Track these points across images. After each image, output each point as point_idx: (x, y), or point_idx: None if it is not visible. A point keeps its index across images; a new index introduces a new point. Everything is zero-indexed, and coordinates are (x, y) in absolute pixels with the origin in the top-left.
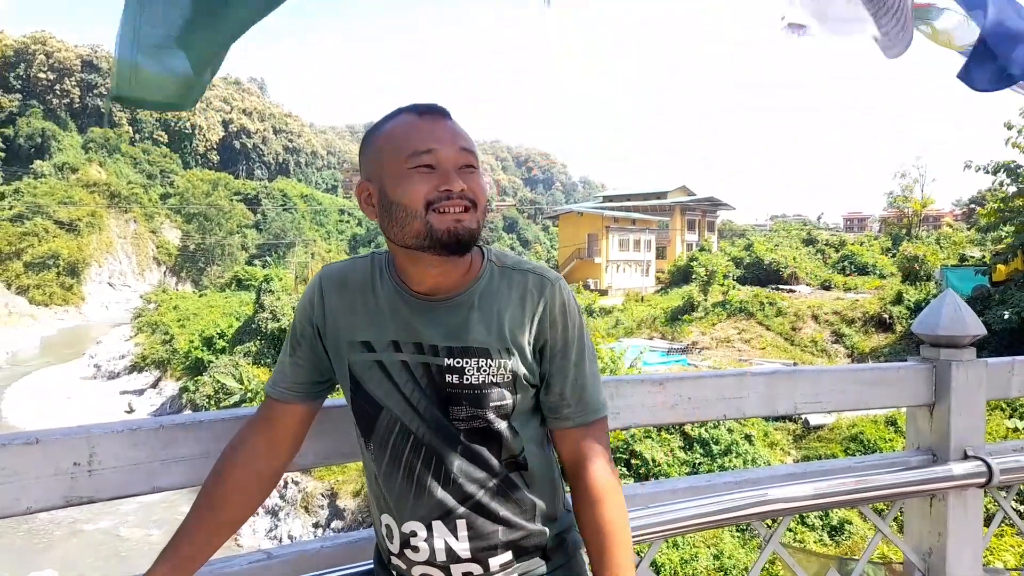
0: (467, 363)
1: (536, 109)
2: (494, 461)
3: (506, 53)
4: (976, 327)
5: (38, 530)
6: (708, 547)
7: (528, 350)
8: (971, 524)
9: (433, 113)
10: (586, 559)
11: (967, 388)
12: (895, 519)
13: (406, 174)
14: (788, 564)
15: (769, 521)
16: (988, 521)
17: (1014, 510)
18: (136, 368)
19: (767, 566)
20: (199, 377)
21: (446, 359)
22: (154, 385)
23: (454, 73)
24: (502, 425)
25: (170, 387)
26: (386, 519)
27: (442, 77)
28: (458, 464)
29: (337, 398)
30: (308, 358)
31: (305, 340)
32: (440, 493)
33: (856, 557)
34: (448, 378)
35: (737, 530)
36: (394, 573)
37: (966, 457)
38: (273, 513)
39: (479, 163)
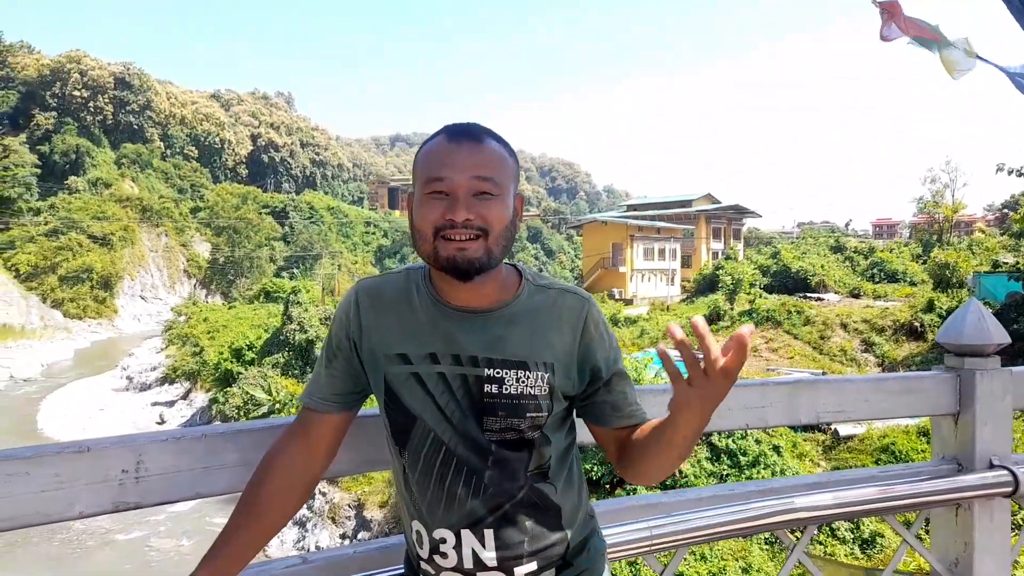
0: (507, 374)
1: (560, 119)
2: (522, 471)
3: (530, 62)
4: (1000, 336)
5: (71, 540)
6: (736, 560)
7: (570, 365)
8: (998, 534)
9: (460, 137)
10: (607, 565)
11: (992, 397)
12: (924, 529)
13: (423, 199)
14: (813, 573)
15: (798, 533)
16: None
17: None
18: (167, 380)
19: None
20: (228, 388)
21: (486, 369)
22: (184, 397)
23: (479, 82)
24: (534, 435)
25: (200, 398)
26: (416, 525)
27: (467, 86)
28: (489, 475)
29: (369, 407)
30: (344, 370)
31: (341, 352)
32: (470, 503)
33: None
34: (487, 388)
35: (765, 543)
36: None
37: (991, 466)
38: (301, 524)
39: (505, 188)
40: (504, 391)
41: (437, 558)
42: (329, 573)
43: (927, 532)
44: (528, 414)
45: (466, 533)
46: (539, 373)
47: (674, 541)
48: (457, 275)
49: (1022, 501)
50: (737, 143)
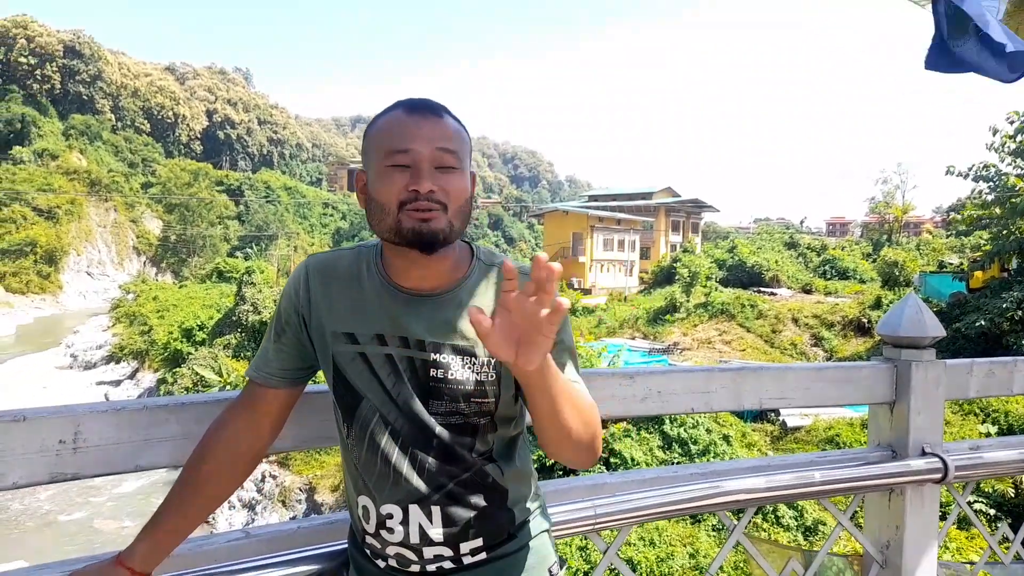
0: (453, 359)
1: (524, 107)
2: (468, 454)
3: (494, 51)
4: (936, 329)
5: (10, 521)
6: (684, 546)
7: None
8: (928, 518)
9: (420, 110)
10: (552, 541)
11: (926, 387)
12: (860, 516)
13: (384, 171)
14: (751, 552)
15: (740, 515)
16: (950, 518)
17: (969, 505)
18: (113, 359)
19: (742, 565)
20: (178, 369)
21: (432, 354)
22: (131, 376)
23: (444, 67)
24: (480, 421)
25: (148, 378)
26: (363, 500)
27: (431, 71)
28: (433, 455)
29: (318, 384)
30: (293, 345)
31: (290, 328)
32: (416, 481)
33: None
34: (433, 372)
35: (713, 530)
36: (368, 552)
37: (924, 454)
38: (250, 507)
39: (464, 163)
40: (450, 376)
41: (384, 533)
42: (272, 547)
43: (862, 517)
44: (473, 400)
45: (414, 509)
46: (486, 359)
47: (618, 520)
48: (421, 247)
49: (951, 487)
50: (700, 138)
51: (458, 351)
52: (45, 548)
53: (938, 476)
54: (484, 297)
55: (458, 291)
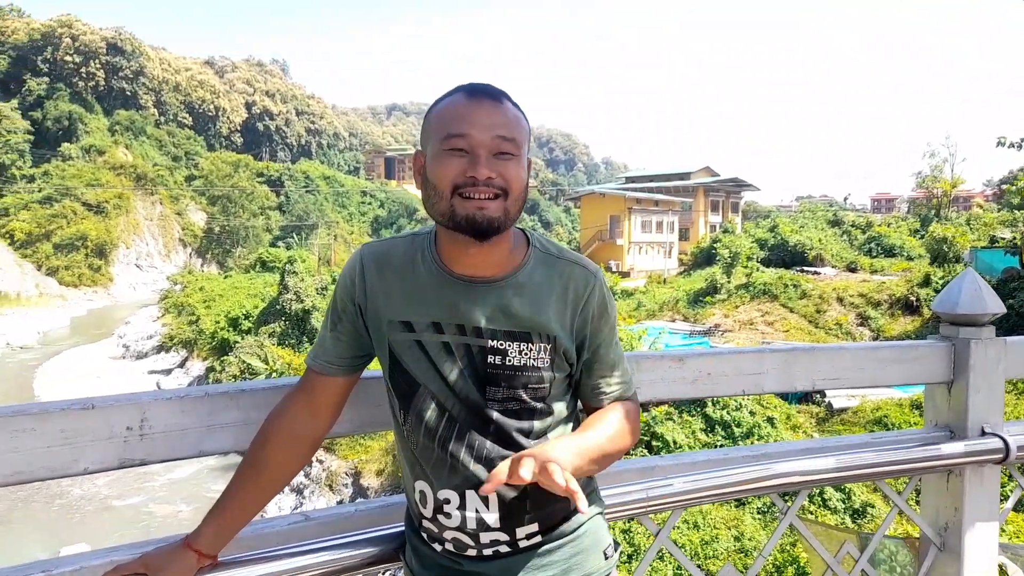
0: (510, 346)
1: (559, 89)
2: (524, 439)
3: (529, 34)
4: (996, 305)
5: (70, 505)
6: (728, 528)
7: (569, 336)
8: (988, 500)
9: (480, 95)
10: (605, 524)
11: (985, 366)
12: (915, 499)
13: (441, 155)
14: (805, 536)
15: (791, 499)
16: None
17: None
18: (163, 348)
19: (788, 548)
20: (225, 357)
21: (490, 341)
22: (181, 365)
23: (477, 52)
24: (536, 405)
25: (197, 367)
26: (420, 485)
27: (464, 56)
28: (490, 442)
29: (377, 368)
30: (349, 333)
31: (346, 316)
32: (473, 467)
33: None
34: (490, 359)
35: (757, 512)
36: (425, 536)
37: (983, 434)
38: (298, 491)
39: (523, 150)
40: (507, 362)
41: (441, 518)
42: (331, 530)
43: (917, 501)
44: (530, 385)
45: (470, 494)
46: (542, 345)
47: (670, 502)
48: (475, 234)
49: (1011, 468)
50: (738, 115)
51: (514, 338)
52: (103, 531)
53: (999, 456)
54: (541, 285)
55: (515, 278)
